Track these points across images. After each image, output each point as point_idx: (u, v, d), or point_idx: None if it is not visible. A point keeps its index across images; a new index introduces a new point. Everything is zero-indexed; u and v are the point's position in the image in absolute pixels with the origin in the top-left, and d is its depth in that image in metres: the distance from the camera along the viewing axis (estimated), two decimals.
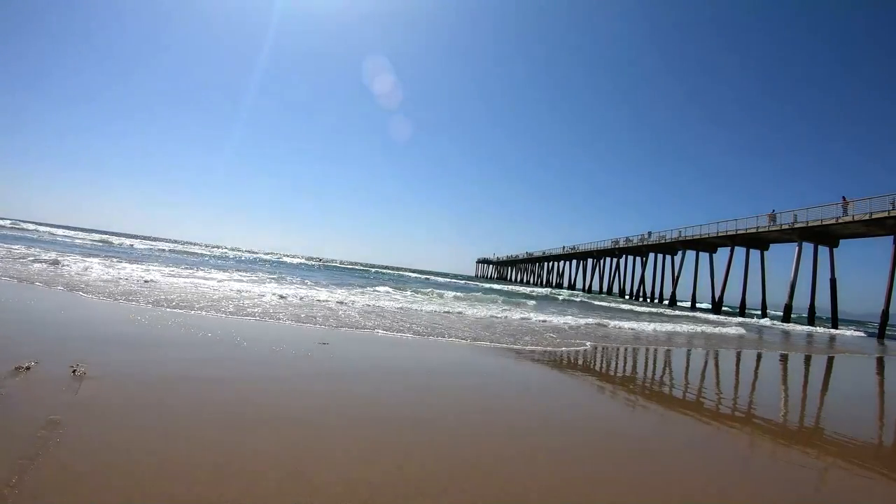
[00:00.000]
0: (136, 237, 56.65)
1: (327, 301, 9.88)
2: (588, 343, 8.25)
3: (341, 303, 9.80)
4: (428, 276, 47.87)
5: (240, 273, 16.24)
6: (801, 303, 29.40)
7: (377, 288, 16.01)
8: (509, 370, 5.48)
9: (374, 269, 45.23)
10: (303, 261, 43.23)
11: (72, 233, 37.69)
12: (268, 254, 52.09)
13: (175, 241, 57.68)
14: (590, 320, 12.40)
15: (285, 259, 40.52)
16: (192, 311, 6.59)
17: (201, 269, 15.33)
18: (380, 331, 6.91)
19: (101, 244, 26.17)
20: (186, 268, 15.16)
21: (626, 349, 8.54)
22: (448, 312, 10.40)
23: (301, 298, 9.82)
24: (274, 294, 9.76)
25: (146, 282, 9.47)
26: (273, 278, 15.53)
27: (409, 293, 15.79)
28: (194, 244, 57.62)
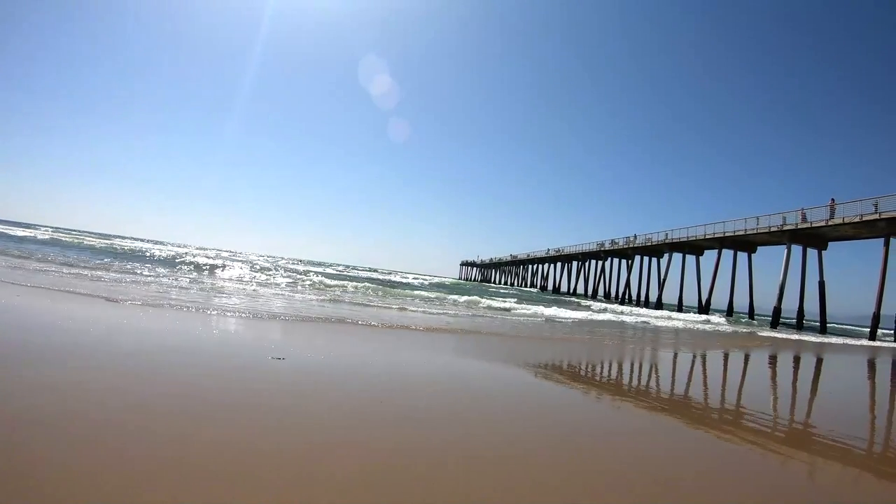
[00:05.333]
0: (135, 239, 53.69)
1: None
2: None
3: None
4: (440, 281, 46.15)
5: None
6: (787, 305, 29.01)
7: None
8: None
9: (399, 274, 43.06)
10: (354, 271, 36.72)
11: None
12: (302, 262, 47.50)
13: (173, 245, 54.70)
14: None
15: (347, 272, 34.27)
16: None
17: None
18: None
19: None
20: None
21: None
22: None
23: None
24: None
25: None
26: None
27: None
28: (187, 247, 54.64)
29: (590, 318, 16.89)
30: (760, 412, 4.54)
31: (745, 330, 21.35)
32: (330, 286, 16.59)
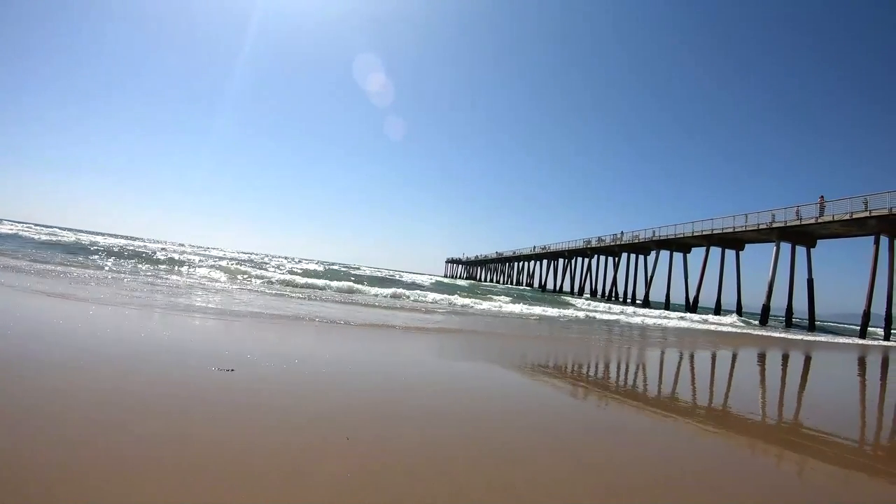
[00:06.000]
0: (122, 237, 52.08)
1: None
2: None
3: None
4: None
5: None
6: (775, 303, 29.00)
7: None
8: None
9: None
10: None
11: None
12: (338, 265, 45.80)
13: (159, 242, 53.12)
14: None
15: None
16: None
17: None
18: None
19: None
20: None
21: None
22: None
23: None
24: None
25: None
26: None
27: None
28: (186, 246, 53.05)
29: (580, 316, 16.57)
30: (759, 412, 4.52)
31: (744, 331, 21.11)
32: (319, 284, 15.85)
